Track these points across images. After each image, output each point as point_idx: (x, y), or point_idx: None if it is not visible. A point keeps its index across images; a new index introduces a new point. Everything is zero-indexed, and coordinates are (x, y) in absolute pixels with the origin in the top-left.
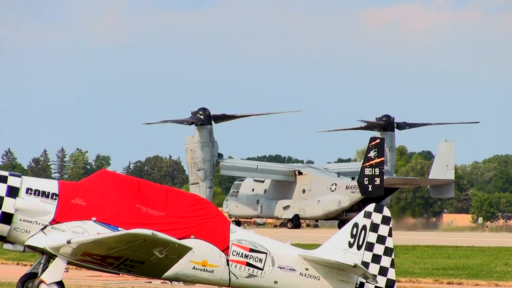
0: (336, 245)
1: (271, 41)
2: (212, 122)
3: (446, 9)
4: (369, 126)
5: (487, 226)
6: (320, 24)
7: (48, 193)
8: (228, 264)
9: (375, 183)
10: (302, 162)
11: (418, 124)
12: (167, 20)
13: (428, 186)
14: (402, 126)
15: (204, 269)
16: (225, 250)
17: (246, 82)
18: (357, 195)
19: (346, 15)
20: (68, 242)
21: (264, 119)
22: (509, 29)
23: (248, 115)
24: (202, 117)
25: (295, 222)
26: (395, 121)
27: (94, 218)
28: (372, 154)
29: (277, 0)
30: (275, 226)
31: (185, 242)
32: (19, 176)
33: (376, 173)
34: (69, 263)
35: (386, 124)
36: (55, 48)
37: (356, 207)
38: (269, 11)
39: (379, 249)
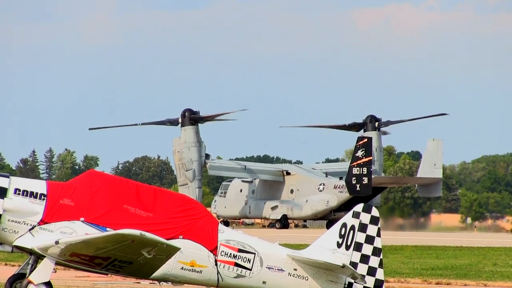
0: (324, 245)
1: (259, 41)
2: (198, 123)
3: (436, 9)
4: (344, 127)
5: (475, 226)
6: (310, 24)
7: (36, 193)
8: (216, 265)
9: (363, 182)
10: (290, 162)
11: (394, 121)
12: (158, 20)
13: (416, 185)
14: (382, 124)
15: (192, 269)
16: (214, 250)
17: (237, 82)
18: (345, 195)
19: (335, 15)
20: (56, 242)
21: (252, 119)
22: (499, 30)
23: (219, 115)
24: (180, 119)
25: (284, 222)
26: (382, 121)
27: (82, 219)
28: (359, 153)
29: (265, 0)
30: (264, 226)
31: (174, 242)
32: (7, 177)
33: (364, 173)
34: (57, 263)
35: (356, 125)
36: (43, 48)
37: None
38: (258, 12)
39: (367, 249)
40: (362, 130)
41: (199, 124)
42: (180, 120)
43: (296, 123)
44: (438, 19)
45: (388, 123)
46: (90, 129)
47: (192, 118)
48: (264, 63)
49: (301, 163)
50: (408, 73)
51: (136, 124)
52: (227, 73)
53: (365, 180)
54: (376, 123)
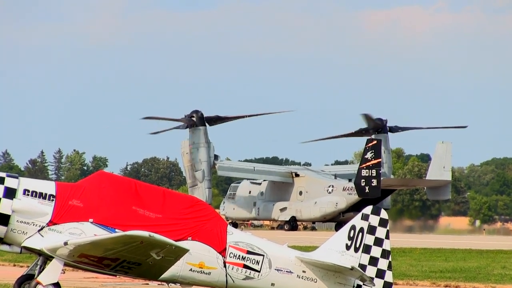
0: (333, 247)
1: (266, 42)
2: (206, 124)
3: (445, 11)
4: (358, 132)
5: (484, 229)
6: (318, 25)
7: (45, 194)
8: (225, 266)
9: (372, 184)
10: (299, 164)
11: (409, 127)
12: (163, 21)
13: (425, 187)
14: (395, 129)
15: (201, 271)
16: (222, 252)
17: (242, 83)
18: (354, 197)
19: (344, 16)
20: (65, 243)
21: (261, 121)
22: (508, 31)
23: (241, 117)
24: (194, 119)
25: (292, 224)
26: (388, 124)
27: (91, 220)
28: (369, 155)
29: (273, 1)
30: (272, 228)
31: (182, 244)
32: (16, 177)
33: (373, 175)
34: (66, 264)
35: (377, 127)
36: (52, 49)
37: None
38: (265, 12)
39: (376, 251)
40: (373, 135)
41: (206, 125)
42: (194, 119)
43: (303, 124)
44: (447, 21)
45: (398, 128)
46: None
47: (206, 119)
48: (270, 64)
49: (310, 165)
50: (416, 75)
51: (178, 127)
52: (235, 75)
53: (374, 182)
54: (388, 128)
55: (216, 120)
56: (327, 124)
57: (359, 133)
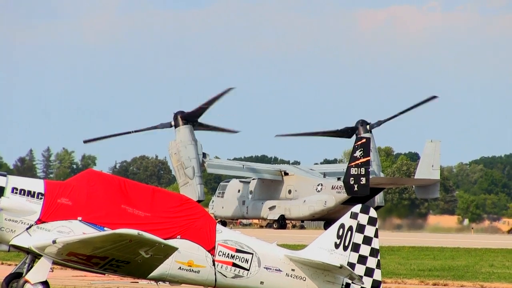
0: (322, 246)
1: (257, 41)
2: (192, 124)
3: (438, 10)
4: (336, 133)
5: (472, 228)
6: (312, 24)
7: (34, 192)
8: (214, 265)
9: (361, 182)
10: (288, 163)
11: (384, 120)
12: (159, 20)
13: (414, 186)
14: (373, 125)
15: (190, 269)
16: (211, 250)
17: (232, 84)
18: (343, 195)
19: (336, 15)
20: (54, 241)
21: (250, 119)
22: (500, 31)
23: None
24: (180, 119)
25: (281, 222)
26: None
27: (80, 218)
28: (358, 153)
29: (263, 1)
30: (261, 226)
31: (171, 242)
32: (5, 176)
33: (361, 173)
34: (54, 263)
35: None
36: (40, 46)
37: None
38: (259, 11)
39: (365, 250)
40: (355, 135)
41: (192, 124)
42: (173, 123)
43: (292, 122)
44: (439, 21)
45: (380, 123)
46: (85, 141)
47: (186, 118)
48: (259, 62)
49: (299, 163)
50: (407, 74)
51: (129, 132)
52: (222, 75)
53: (363, 180)
54: (367, 126)
55: (198, 125)
56: (318, 123)
57: (335, 132)
